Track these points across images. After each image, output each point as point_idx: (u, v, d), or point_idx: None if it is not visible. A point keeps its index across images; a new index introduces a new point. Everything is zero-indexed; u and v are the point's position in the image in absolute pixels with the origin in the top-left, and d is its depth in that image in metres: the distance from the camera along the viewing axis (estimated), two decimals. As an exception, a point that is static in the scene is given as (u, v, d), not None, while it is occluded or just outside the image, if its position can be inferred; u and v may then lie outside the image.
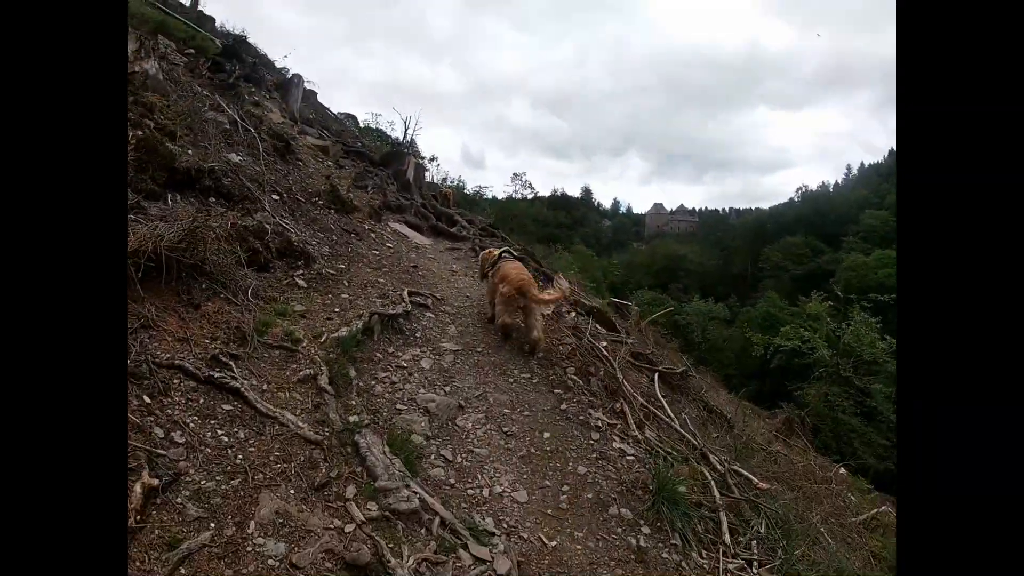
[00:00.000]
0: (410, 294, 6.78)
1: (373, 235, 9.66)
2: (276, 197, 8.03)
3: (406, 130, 26.46)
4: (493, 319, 6.37)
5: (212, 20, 17.43)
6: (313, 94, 19.93)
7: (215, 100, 9.92)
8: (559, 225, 68.41)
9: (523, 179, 79.60)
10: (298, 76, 14.07)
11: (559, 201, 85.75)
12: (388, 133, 30.26)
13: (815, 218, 77.17)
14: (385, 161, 14.76)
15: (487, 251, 7.34)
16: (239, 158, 8.50)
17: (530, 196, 72.95)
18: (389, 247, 9.21)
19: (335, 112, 22.56)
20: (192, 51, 12.15)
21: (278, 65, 20.62)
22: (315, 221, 8.33)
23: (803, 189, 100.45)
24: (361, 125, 31.28)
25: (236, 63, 13.05)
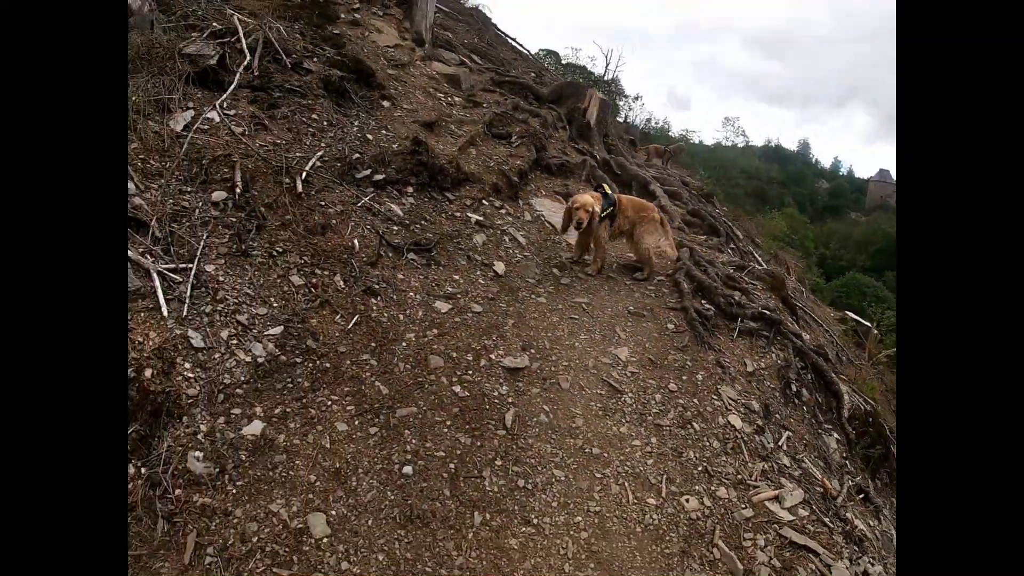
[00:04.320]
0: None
1: (474, 237, 4.58)
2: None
3: (607, 65, 20.86)
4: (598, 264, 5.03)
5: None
6: (486, 18, 15.10)
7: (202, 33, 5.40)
8: (771, 180, 54.73)
9: (735, 125, 66.81)
10: (426, -16, 9.20)
11: (772, 153, 69.71)
12: (590, 69, 24.79)
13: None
14: (556, 97, 9.36)
15: (579, 198, 4.83)
16: (195, 115, 3.98)
17: (741, 144, 60.72)
18: (466, 297, 4.03)
19: (532, 49, 17.55)
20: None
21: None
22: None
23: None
24: (563, 62, 26.19)
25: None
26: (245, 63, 5.00)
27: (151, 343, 2.57)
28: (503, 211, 5.42)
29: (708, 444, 3.45)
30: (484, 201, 5.35)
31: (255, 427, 2.62)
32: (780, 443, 3.70)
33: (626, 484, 3.05)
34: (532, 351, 3.79)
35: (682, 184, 9.40)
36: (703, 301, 4.77)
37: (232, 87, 4.56)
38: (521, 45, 16.38)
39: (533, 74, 11.86)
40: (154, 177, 3.50)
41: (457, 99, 7.39)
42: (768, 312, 4.72)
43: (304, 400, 2.86)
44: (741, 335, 4.52)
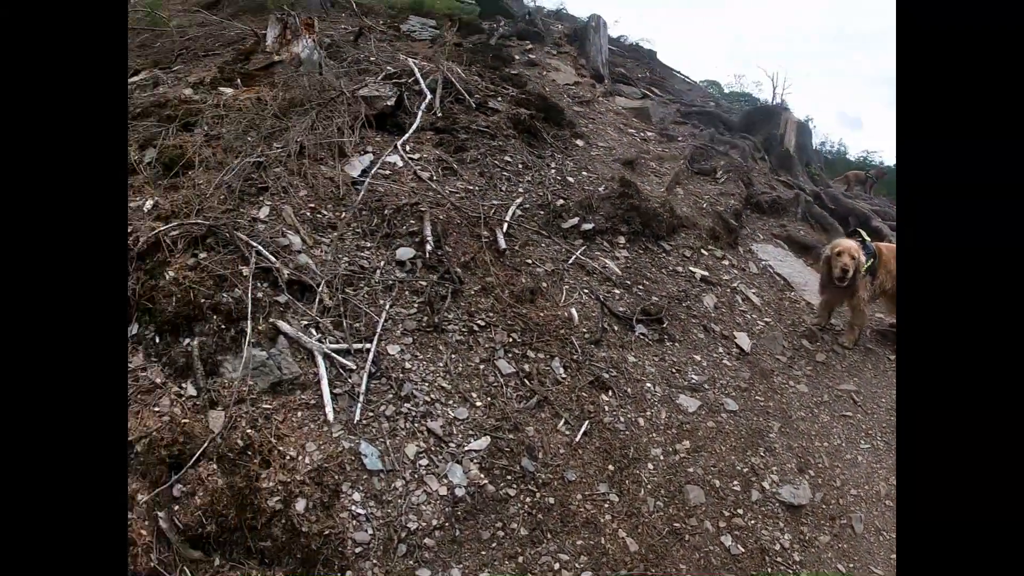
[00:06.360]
0: None
1: (703, 298, 3.58)
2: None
3: (774, 89, 18.87)
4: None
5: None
6: (651, 54, 14.25)
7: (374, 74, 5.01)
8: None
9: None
10: (596, 18, 8.59)
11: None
12: (756, 96, 22.68)
13: None
14: (748, 125, 8.13)
15: (841, 242, 3.71)
16: (374, 160, 3.44)
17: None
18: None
19: (693, 79, 16.42)
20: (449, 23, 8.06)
21: (614, 34, 15.67)
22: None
23: None
24: (726, 91, 24.40)
25: (500, 21, 8.49)
26: (426, 103, 4.46)
27: (308, 461, 1.79)
28: (726, 262, 4.27)
29: None
30: (704, 251, 4.25)
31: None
32: None
33: None
34: (810, 473, 2.59)
35: (899, 216, 7.50)
36: None
37: (414, 128, 3.98)
38: (687, 77, 15.29)
39: (712, 103, 10.66)
40: (325, 230, 2.89)
41: (650, 134, 6.42)
42: None
43: (520, 558, 1.90)
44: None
